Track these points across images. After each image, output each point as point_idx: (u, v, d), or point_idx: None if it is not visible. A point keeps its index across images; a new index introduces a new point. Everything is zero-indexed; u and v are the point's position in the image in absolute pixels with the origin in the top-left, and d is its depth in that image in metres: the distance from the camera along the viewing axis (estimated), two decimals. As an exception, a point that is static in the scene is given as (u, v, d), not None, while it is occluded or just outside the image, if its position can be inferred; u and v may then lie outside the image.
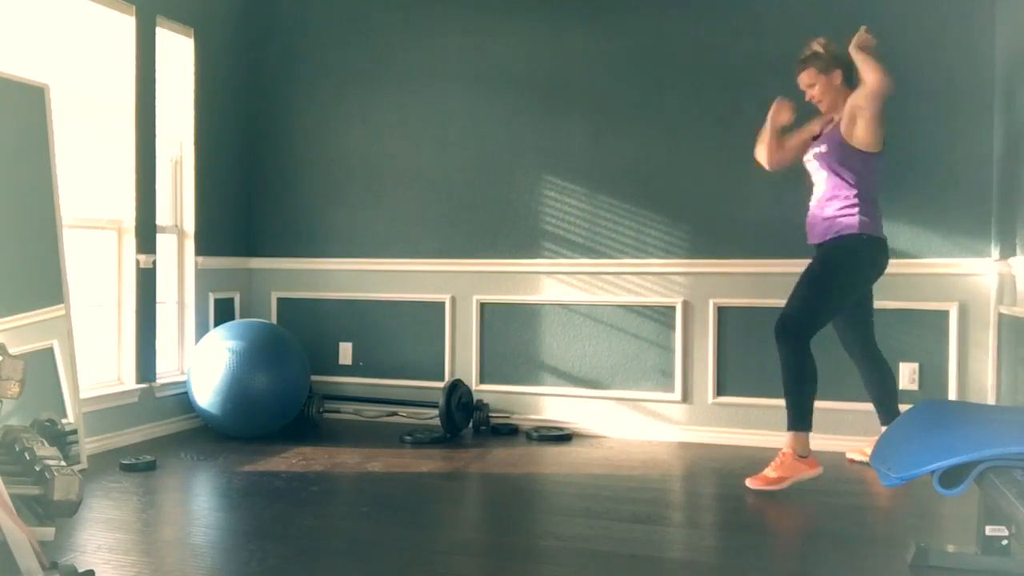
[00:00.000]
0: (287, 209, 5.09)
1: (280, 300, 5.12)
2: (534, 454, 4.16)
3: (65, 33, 4.02)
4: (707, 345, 4.38)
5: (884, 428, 3.65)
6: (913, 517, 3.23)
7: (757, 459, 4.01)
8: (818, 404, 4.18)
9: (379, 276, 4.92)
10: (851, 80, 3.63)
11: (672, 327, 4.44)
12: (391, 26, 4.93)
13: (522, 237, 4.67)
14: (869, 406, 4.12)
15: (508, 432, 4.54)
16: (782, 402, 4.26)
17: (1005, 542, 2.52)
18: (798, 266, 4.25)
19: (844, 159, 3.57)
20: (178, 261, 4.71)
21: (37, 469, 2.61)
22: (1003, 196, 3.91)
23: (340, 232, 4.96)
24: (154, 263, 4.40)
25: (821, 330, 3.60)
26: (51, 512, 2.59)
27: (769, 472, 3.48)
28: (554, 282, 4.63)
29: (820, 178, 3.69)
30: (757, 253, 4.31)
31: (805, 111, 3.86)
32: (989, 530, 2.53)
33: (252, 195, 5.15)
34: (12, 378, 2.58)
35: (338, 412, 4.89)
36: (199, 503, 3.49)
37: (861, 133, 3.53)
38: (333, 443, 4.29)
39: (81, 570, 2.32)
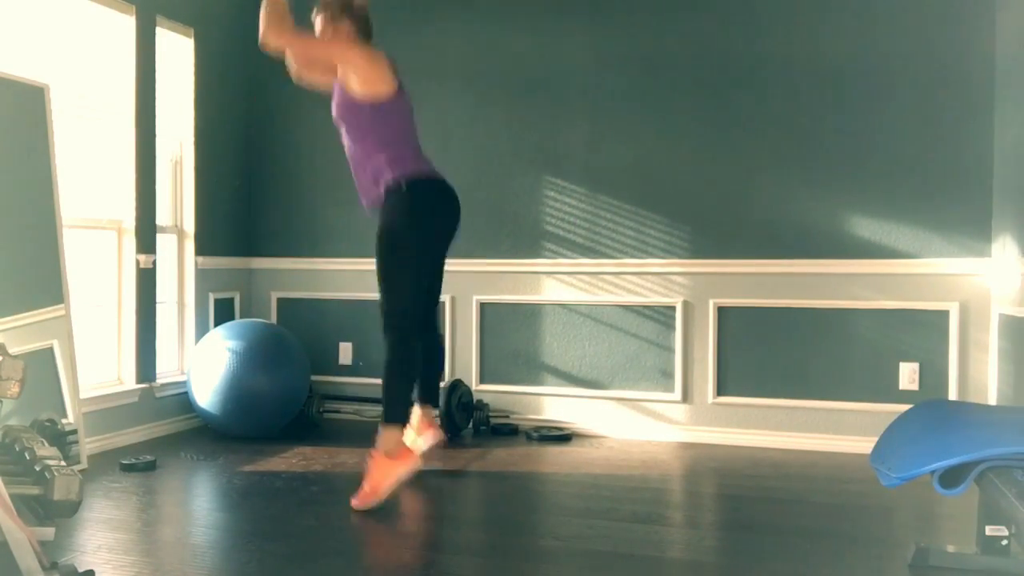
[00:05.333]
0: (287, 209, 5.09)
1: (280, 300, 5.12)
2: (534, 454, 4.16)
3: (65, 33, 4.02)
4: (707, 345, 4.38)
5: (416, 405, 3.61)
6: (913, 517, 3.23)
7: (757, 459, 4.02)
8: (818, 404, 4.22)
9: (379, 276, 4.91)
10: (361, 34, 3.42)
11: (672, 327, 4.44)
12: (391, 26, 4.92)
13: (522, 237, 4.67)
14: (869, 406, 4.13)
15: (508, 432, 4.54)
16: (782, 402, 4.29)
17: (1005, 542, 2.52)
18: (798, 266, 4.28)
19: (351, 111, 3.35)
20: (178, 261, 4.71)
21: (37, 469, 2.61)
22: (1003, 196, 3.91)
23: (340, 232, 4.95)
24: (154, 263, 4.40)
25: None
26: (51, 512, 2.59)
27: (365, 486, 3.22)
28: (554, 282, 4.63)
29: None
30: (757, 253, 4.31)
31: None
32: (989, 530, 2.53)
33: (252, 195, 5.15)
34: (12, 378, 2.57)
35: (338, 412, 4.89)
36: (199, 503, 3.49)
37: (352, 83, 3.30)
38: (333, 443, 4.29)
39: (81, 570, 2.32)
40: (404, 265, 3.33)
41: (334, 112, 3.43)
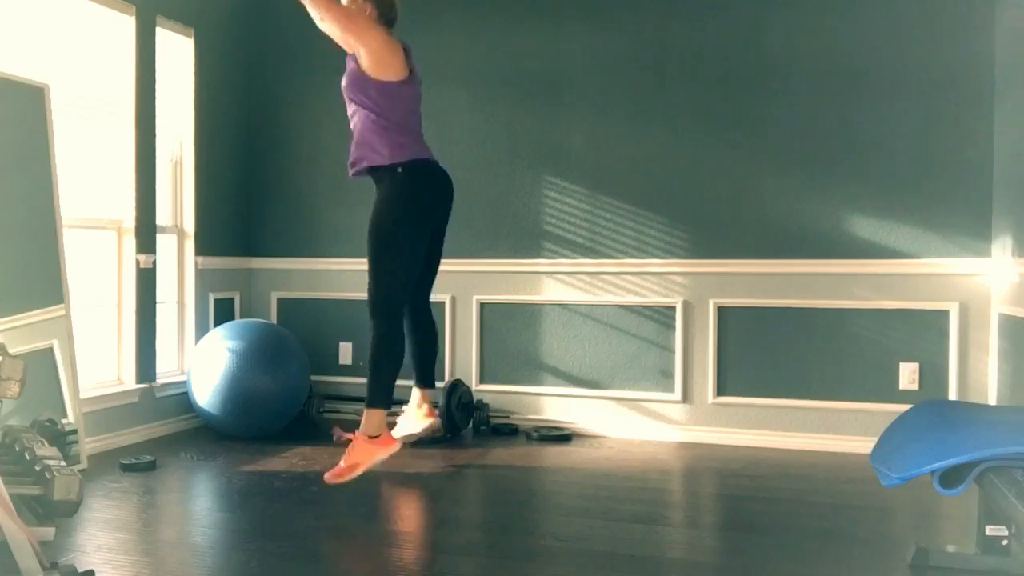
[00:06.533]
0: (287, 209, 5.09)
1: (280, 300, 5.12)
2: (534, 454, 4.15)
3: (65, 33, 4.02)
4: (707, 345, 4.38)
5: (415, 387, 3.69)
6: (913, 517, 3.23)
7: (757, 459, 4.02)
8: (818, 404, 4.23)
9: (379, 276, 4.91)
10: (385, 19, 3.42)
11: (672, 327, 4.44)
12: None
13: (522, 237, 4.67)
14: (869, 406, 4.14)
15: (508, 432, 4.54)
16: (782, 402, 4.29)
17: (1005, 542, 2.52)
18: (798, 266, 4.28)
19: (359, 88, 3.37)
20: (178, 261, 4.71)
21: (37, 469, 2.62)
22: (1003, 196, 3.91)
23: (340, 232, 4.95)
24: (154, 263, 4.40)
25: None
26: (51, 512, 2.59)
27: (342, 462, 3.30)
28: (554, 282, 4.63)
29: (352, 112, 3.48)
30: (757, 253, 4.31)
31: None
32: (989, 530, 2.53)
33: (252, 195, 5.15)
34: (12, 378, 2.58)
35: (338, 412, 4.89)
36: (199, 503, 3.49)
37: (363, 62, 3.34)
38: (333, 443, 4.29)
39: (81, 570, 2.32)
40: (395, 251, 3.35)
41: (343, 83, 3.45)
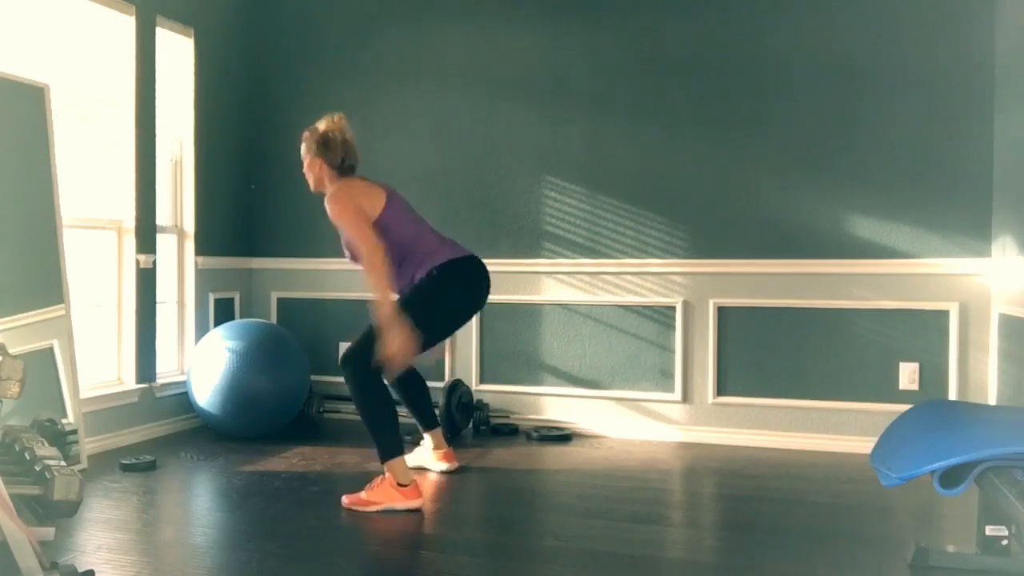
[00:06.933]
0: (287, 209, 5.09)
1: (280, 300, 5.12)
2: (534, 454, 4.16)
3: (65, 33, 4.02)
4: (707, 345, 4.38)
5: (424, 432, 3.75)
6: (913, 517, 3.23)
7: (757, 459, 4.02)
8: (818, 404, 4.23)
9: (379, 276, 4.91)
10: (339, 167, 3.43)
11: (672, 327, 4.44)
12: (391, 26, 4.93)
13: (522, 237, 4.67)
14: (869, 406, 4.14)
15: (508, 432, 4.54)
16: (782, 402, 4.29)
17: (1005, 542, 2.52)
18: (798, 266, 4.28)
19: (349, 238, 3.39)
20: (178, 261, 4.71)
21: (37, 469, 2.62)
22: (1003, 196, 3.91)
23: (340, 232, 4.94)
24: (154, 263, 4.40)
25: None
26: (51, 512, 2.59)
27: (363, 493, 3.25)
28: (554, 282, 4.63)
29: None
30: (757, 253, 4.31)
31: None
32: (989, 530, 2.53)
33: (252, 195, 5.14)
34: (12, 378, 2.58)
35: (338, 412, 4.89)
36: (199, 503, 3.49)
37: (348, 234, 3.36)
38: (333, 443, 4.29)
39: (81, 570, 2.32)
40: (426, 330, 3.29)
41: (343, 240, 3.47)
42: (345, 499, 3.25)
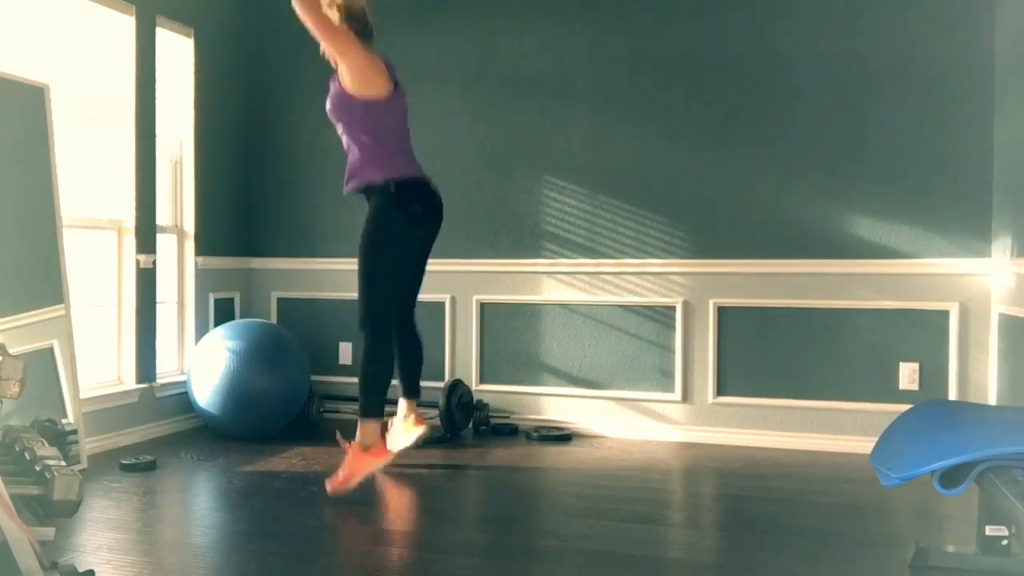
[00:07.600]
0: (287, 209, 5.09)
1: (280, 300, 5.12)
2: (534, 454, 4.15)
3: (65, 33, 4.02)
4: (707, 345, 4.38)
5: (401, 398, 3.72)
6: (913, 517, 3.23)
7: (757, 459, 4.02)
8: (818, 404, 4.23)
9: (379, 276, 4.91)
10: (356, 18, 3.41)
11: (672, 327, 4.44)
12: (391, 26, 4.91)
13: (522, 237, 4.67)
14: (869, 406, 4.14)
15: (508, 432, 4.54)
16: (782, 402, 4.30)
17: (1005, 542, 2.52)
18: (798, 266, 4.28)
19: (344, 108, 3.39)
20: (178, 261, 4.71)
21: (37, 469, 2.61)
22: (1003, 196, 3.91)
23: (340, 232, 4.95)
24: (154, 263, 4.40)
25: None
26: (51, 512, 2.59)
27: (339, 473, 3.36)
28: (554, 282, 4.63)
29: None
30: (757, 253, 4.31)
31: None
32: (989, 530, 2.53)
33: (252, 195, 5.15)
34: (12, 378, 2.57)
35: (338, 412, 4.88)
36: (199, 503, 3.49)
37: (347, 80, 3.35)
38: (333, 443, 4.28)
39: (81, 570, 2.32)
40: (386, 266, 3.43)
41: (328, 107, 3.47)
42: (329, 487, 3.33)
